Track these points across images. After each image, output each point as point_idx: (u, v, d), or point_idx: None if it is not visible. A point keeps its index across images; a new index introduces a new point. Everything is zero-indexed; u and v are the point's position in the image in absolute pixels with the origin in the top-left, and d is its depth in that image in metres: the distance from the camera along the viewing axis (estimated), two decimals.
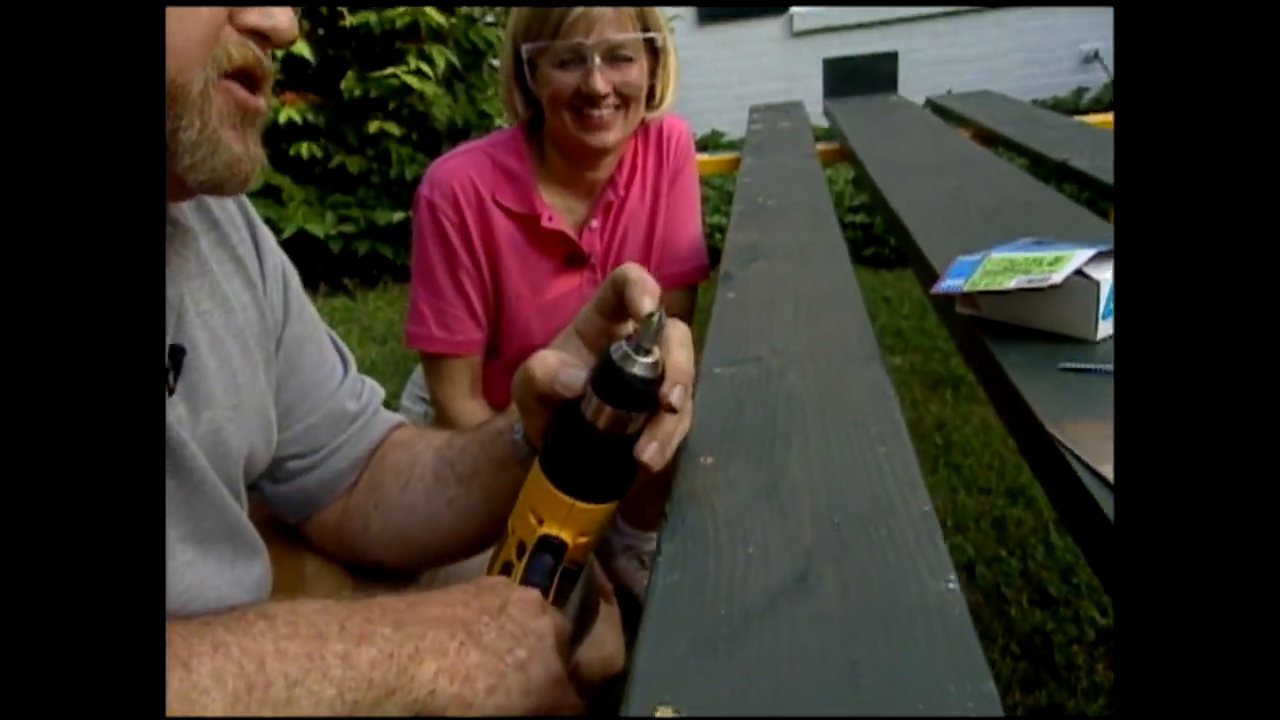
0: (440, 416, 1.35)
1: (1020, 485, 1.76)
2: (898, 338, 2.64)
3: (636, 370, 0.50)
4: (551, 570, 0.53)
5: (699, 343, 0.58)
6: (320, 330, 0.69)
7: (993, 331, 0.67)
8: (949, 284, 0.69)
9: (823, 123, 2.61)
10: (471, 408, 1.32)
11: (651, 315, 0.49)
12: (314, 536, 0.70)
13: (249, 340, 0.60)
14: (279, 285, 0.65)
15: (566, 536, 0.53)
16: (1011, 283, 0.64)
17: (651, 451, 0.50)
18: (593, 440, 0.51)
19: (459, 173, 1.27)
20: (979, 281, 0.67)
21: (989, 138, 1.93)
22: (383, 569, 0.69)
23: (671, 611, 0.41)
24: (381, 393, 0.73)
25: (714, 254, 1.27)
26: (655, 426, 0.51)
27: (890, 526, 0.46)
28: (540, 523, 0.53)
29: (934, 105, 2.53)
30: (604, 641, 1.07)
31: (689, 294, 1.41)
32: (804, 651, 0.37)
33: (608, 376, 0.50)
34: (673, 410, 0.50)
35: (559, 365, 0.52)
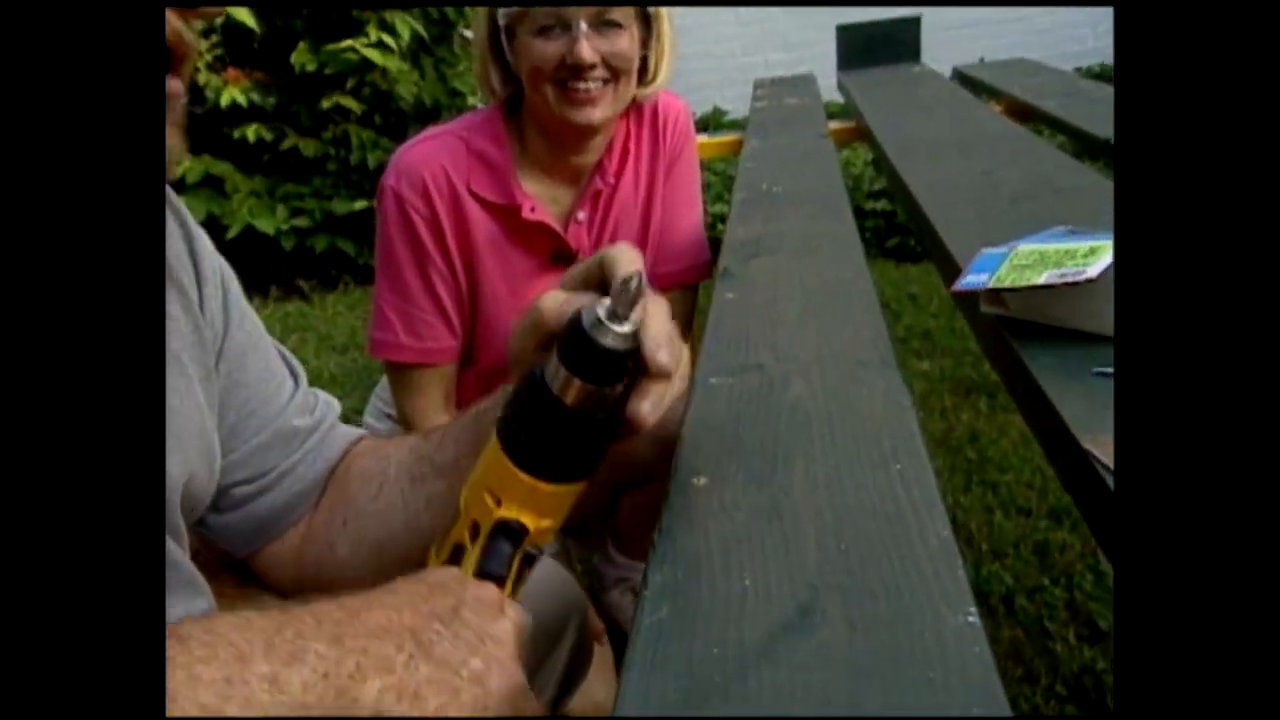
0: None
1: (1065, 505, 1.76)
2: (925, 340, 2.65)
3: (609, 341, 0.48)
4: (510, 558, 0.51)
5: (692, 350, 0.59)
6: (265, 339, 0.69)
7: (1021, 332, 0.68)
8: (971, 280, 0.70)
9: (836, 98, 2.63)
10: (437, 417, 1.32)
11: (629, 279, 0.47)
12: (268, 571, 0.70)
13: (181, 356, 0.60)
14: (217, 292, 0.65)
15: (527, 520, 0.52)
16: (1041, 278, 0.65)
17: (645, 410, 0.49)
18: (559, 416, 0.49)
19: (429, 160, 1.28)
20: (1005, 277, 0.68)
21: (1024, 112, 1.94)
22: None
23: (659, 653, 0.42)
24: (337, 407, 0.74)
25: (716, 246, 1.28)
26: (644, 386, 0.49)
27: (904, 554, 0.47)
28: (498, 504, 0.51)
29: (962, 76, 2.55)
30: (593, 689, 1.08)
31: (689, 295, 1.42)
32: (807, 697, 0.38)
33: (577, 345, 0.48)
34: (664, 373, 0.49)
35: (573, 300, 0.50)
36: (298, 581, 0.70)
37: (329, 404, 0.72)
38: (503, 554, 0.51)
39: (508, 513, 0.51)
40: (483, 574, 0.51)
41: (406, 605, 0.47)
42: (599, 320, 0.48)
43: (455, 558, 0.53)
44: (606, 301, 0.49)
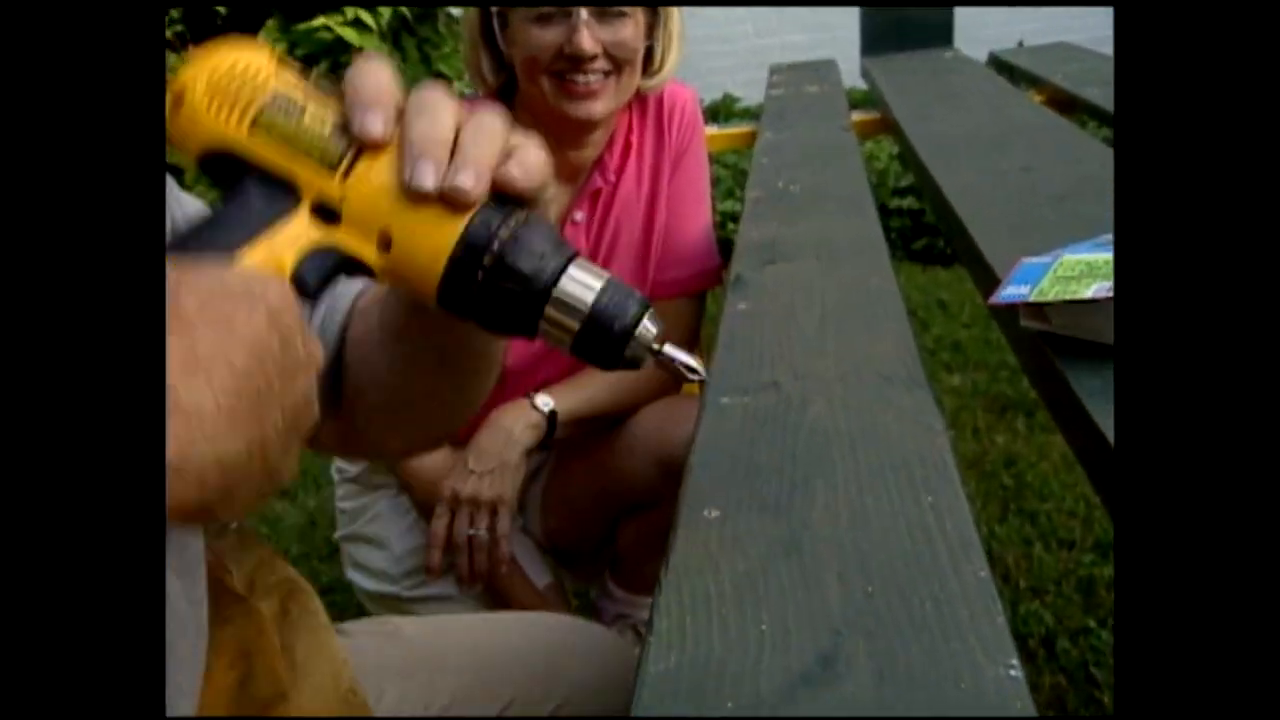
0: (390, 465, 1.36)
1: (1113, 538, 1.77)
2: (956, 352, 2.66)
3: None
4: (327, 276, 0.51)
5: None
6: None
7: (1066, 350, 0.68)
8: (1011, 293, 0.70)
9: (860, 85, 2.64)
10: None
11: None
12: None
13: None
14: None
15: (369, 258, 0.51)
16: (1089, 291, 0.65)
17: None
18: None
19: None
20: (1049, 289, 0.68)
21: (1068, 103, 1.95)
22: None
23: (665, 707, 0.42)
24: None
25: (725, 248, 1.28)
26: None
27: (938, 596, 0.47)
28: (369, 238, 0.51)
29: (999, 62, 2.56)
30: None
31: (695, 304, 1.43)
32: None
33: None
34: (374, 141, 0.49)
35: None
36: (363, 451, 0.80)
37: None
38: (323, 269, 0.50)
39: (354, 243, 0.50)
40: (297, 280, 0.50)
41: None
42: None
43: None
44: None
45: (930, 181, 1.28)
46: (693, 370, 0.54)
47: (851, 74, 2.57)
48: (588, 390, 1.33)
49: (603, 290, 0.51)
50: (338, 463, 1.49)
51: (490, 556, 1.30)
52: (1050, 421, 2.16)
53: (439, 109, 0.50)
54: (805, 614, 0.47)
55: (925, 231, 3.55)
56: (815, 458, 0.62)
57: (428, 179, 0.49)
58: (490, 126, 0.50)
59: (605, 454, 1.40)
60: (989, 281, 0.82)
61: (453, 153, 0.49)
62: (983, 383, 2.45)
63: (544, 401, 1.29)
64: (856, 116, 1.98)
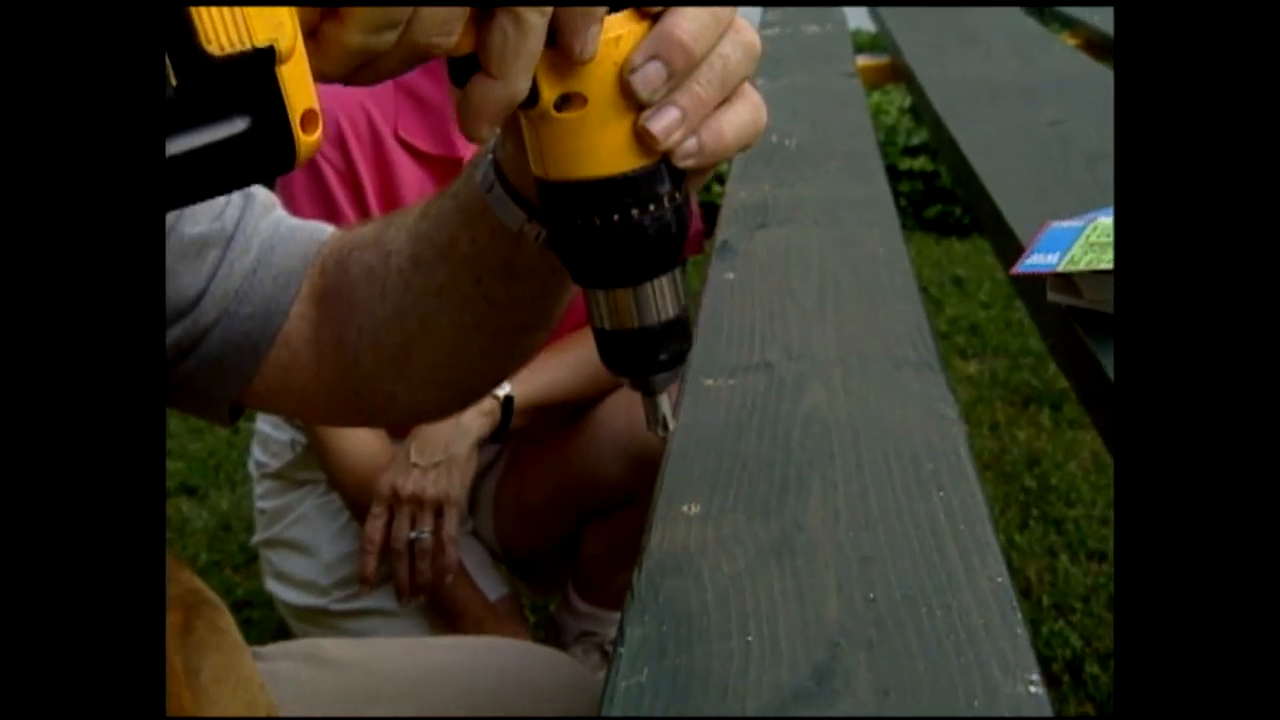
0: (316, 444, 1.36)
1: None
2: (973, 336, 2.68)
3: None
4: None
5: None
6: None
7: (1097, 327, 0.69)
8: (1036, 261, 0.71)
9: (867, 26, 2.64)
10: (357, 433, 1.33)
11: None
12: (298, 407, 0.77)
13: None
14: None
15: None
16: None
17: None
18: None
19: (345, 98, 1.28)
20: (1080, 258, 0.69)
21: (1105, 48, 1.96)
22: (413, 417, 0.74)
23: None
24: (262, 197, 0.75)
25: (710, 212, 1.28)
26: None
27: (949, 604, 0.47)
28: None
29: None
30: None
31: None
32: None
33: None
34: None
35: None
36: (344, 412, 0.76)
37: (248, 197, 0.74)
38: None
39: None
40: None
41: None
42: None
43: None
44: None
45: (946, 136, 1.29)
46: (665, 428, 0.57)
47: (858, 14, 2.58)
48: (548, 373, 1.33)
49: (683, 310, 0.55)
50: (256, 456, 1.48)
51: (434, 564, 1.30)
52: (1080, 415, 2.18)
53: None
54: (798, 624, 0.47)
55: (939, 197, 3.57)
56: (811, 449, 0.62)
57: (660, 127, 0.50)
58: (734, 67, 0.51)
59: (568, 446, 1.40)
60: (1012, 251, 0.83)
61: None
62: (1003, 371, 2.47)
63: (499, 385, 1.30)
64: (862, 61, 1.98)
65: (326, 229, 0.76)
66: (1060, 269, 0.69)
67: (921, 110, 1.60)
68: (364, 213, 1.30)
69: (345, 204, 1.29)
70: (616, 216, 0.51)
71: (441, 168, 1.31)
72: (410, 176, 1.31)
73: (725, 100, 0.52)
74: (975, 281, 2.98)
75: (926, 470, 0.58)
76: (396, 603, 1.36)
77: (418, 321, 0.67)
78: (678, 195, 0.52)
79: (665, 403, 0.57)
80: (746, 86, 0.53)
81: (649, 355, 0.55)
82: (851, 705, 0.42)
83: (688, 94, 0.51)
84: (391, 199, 1.31)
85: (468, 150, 1.31)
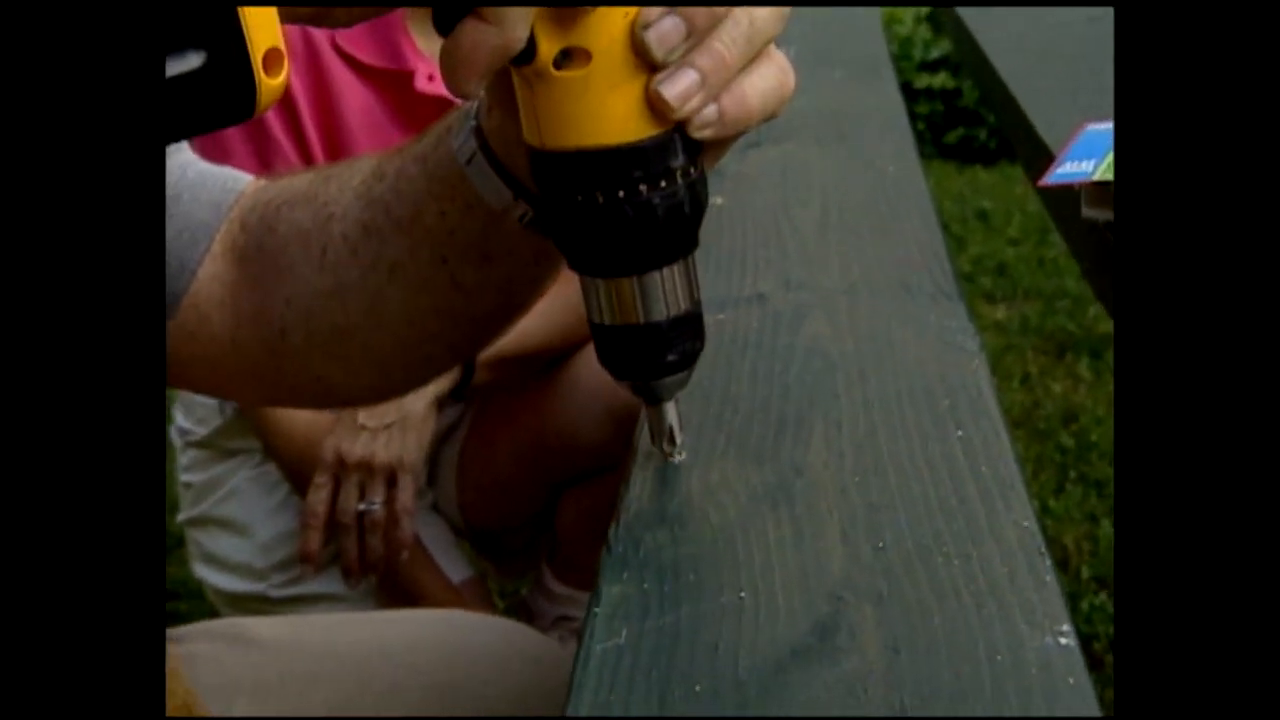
0: (252, 424, 1.36)
1: None
2: (1000, 277, 2.69)
3: None
4: None
5: None
6: None
7: None
8: (1069, 171, 0.71)
9: None
10: None
11: None
12: (212, 382, 0.76)
13: None
14: None
15: None
16: None
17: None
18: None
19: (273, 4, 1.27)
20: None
21: None
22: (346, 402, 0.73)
23: (615, 693, 0.42)
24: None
25: None
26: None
27: (968, 552, 0.48)
28: None
29: None
30: None
31: None
32: None
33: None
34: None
35: None
36: (261, 389, 0.74)
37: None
38: None
39: None
40: None
41: None
42: None
43: None
44: None
45: (969, 41, 1.29)
46: (671, 443, 0.57)
47: None
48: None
49: (695, 304, 0.55)
50: (179, 423, 1.47)
51: (387, 540, 1.31)
52: None
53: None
54: (797, 576, 0.48)
55: (962, 119, 3.57)
56: (812, 386, 0.63)
57: (676, 92, 0.49)
58: (761, 25, 0.51)
59: (540, 405, 1.41)
60: (1042, 164, 0.83)
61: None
62: (1035, 316, 2.48)
63: None
64: None
65: (244, 177, 0.74)
66: (1096, 178, 0.69)
67: (942, 19, 1.59)
68: (300, 141, 1.29)
69: (279, 132, 1.28)
70: (622, 193, 0.50)
71: (389, 84, 1.30)
72: (352, 96, 1.30)
73: (749, 63, 0.51)
74: (1003, 215, 2.99)
75: (943, 407, 0.59)
76: (344, 586, 1.36)
77: (364, 300, 0.65)
78: (693, 170, 0.52)
79: (673, 412, 0.57)
80: (771, 48, 0.52)
81: (655, 355, 0.54)
82: (857, 663, 0.42)
83: (708, 54, 0.49)
84: (331, 123, 1.29)
85: (420, 64, 1.30)
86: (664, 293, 0.53)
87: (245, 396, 0.81)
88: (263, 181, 0.73)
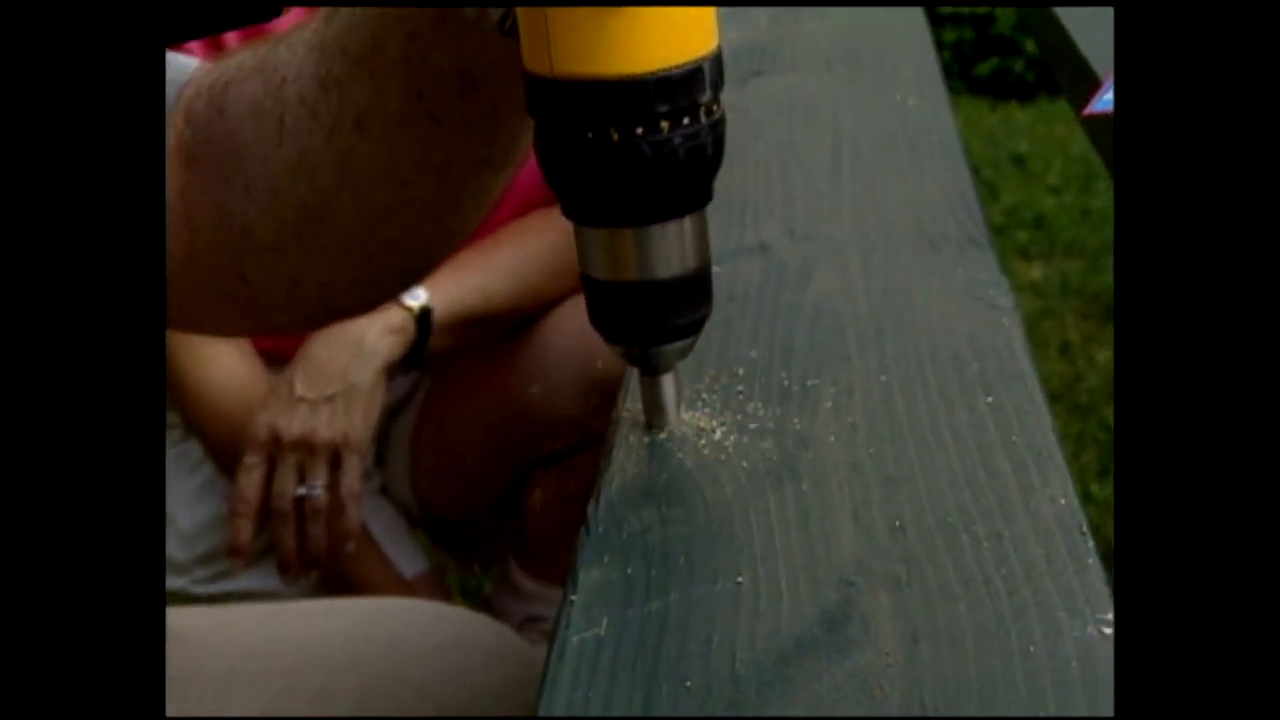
0: (167, 374, 1.35)
1: None
2: (1037, 231, 2.69)
3: None
4: None
5: None
6: None
7: None
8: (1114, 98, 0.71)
9: None
10: (226, 357, 1.33)
11: None
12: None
13: None
14: None
15: None
16: None
17: None
18: None
19: None
20: None
21: None
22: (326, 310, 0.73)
23: (593, 689, 0.43)
24: None
25: None
26: None
27: (998, 531, 0.49)
28: None
29: None
30: None
31: None
32: None
33: None
34: None
35: None
36: (228, 309, 0.73)
37: None
38: None
39: None
40: None
41: None
42: None
43: None
44: None
45: None
46: (659, 416, 0.58)
47: None
48: (478, 275, 1.33)
49: (705, 264, 0.55)
50: None
51: (331, 529, 1.31)
52: None
53: None
54: (803, 560, 0.48)
55: (995, 48, 3.57)
56: (821, 348, 0.63)
57: None
58: None
59: (506, 374, 1.41)
60: (1089, 94, 0.84)
61: None
62: (1077, 276, 2.48)
63: (412, 292, 1.30)
64: None
65: (190, 63, 0.73)
66: None
67: None
68: None
69: None
70: (640, 130, 0.51)
71: None
72: None
73: None
74: (1041, 159, 2.99)
75: (971, 371, 0.60)
76: (281, 582, 1.36)
77: (333, 169, 0.65)
78: (716, 108, 0.52)
79: (670, 387, 0.57)
80: None
81: (657, 319, 0.55)
82: (871, 656, 0.43)
83: None
84: None
85: None
86: (673, 247, 0.54)
87: (210, 324, 0.79)
88: (208, 65, 0.72)
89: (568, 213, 0.55)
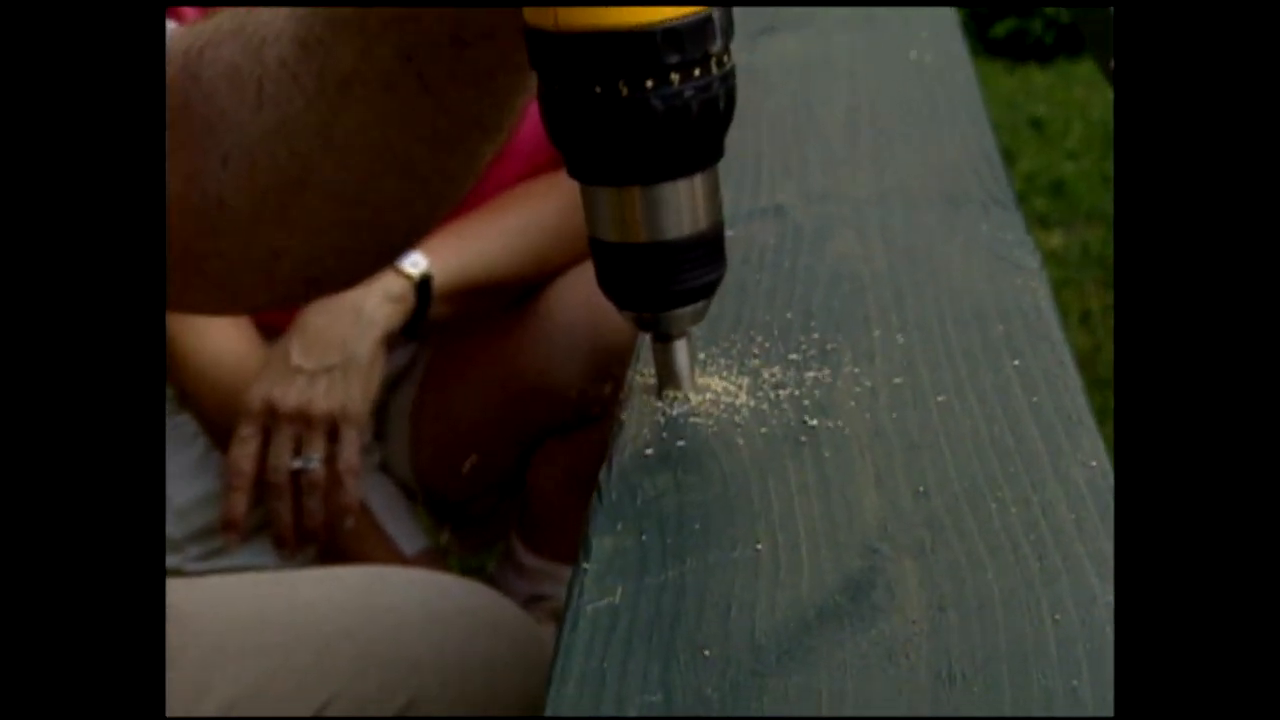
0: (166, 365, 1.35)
1: None
2: (1057, 197, 2.69)
3: None
4: None
5: None
6: None
7: None
8: None
9: None
10: (220, 328, 1.33)
11: None
12: None
13: None
14: None
15: None
16: None
17: None
18: None
19: None
20: None
21: None
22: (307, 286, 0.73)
23: (608, 659, 0.43)
24: None
25: None
26: None
27: (1028, 497, 0.48)
28: None
29: None
30: None
31: None
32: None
33: None
34: None
35: None
36: (205, 287, 0.72)
37: None
38: None
39: None
40: None
41: None
42: None
43: None
44: None
45: None
46: (673, 383, 0.57)
47: None
48: (480, 242, 1.33)
49: (717, 224, 0.54)
50: None
51: (329, 504, 1.31)
52: None
53: None
54: (824, 527, 0.48)
55: (1012, 7, 3.55)
56: (839, 313, 0.63)
57: None
58: None
59: (509, 345, 1.41)
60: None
61: None
62: (1097, 243, 2.49)
63: (412, 259, 1.29)
64: None
65: (168, 27, 0.71)
66: None
67: None
68: None
69: None
70: (650, 83, 0.50)
71: None
72: None
73: None
74: (1060, 124, 2.99)
75: (996, 334, 0.59)
76: (276, 558, 1.36)
77: (314, 133, 0.64)
78: (727, 59, 0.52)
79: (684, 353, 0.57)
80: None
81: (668, 281, 0.54)
82: (897, 624, 0.43)
83: None
84: None
85: None
86: (684, 206, 0.53)
87: (184, 303, 0.79)
88: (184, 29, 0.71)
89: (574, 172, 0.54)
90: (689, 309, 0.55)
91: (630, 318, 0.56)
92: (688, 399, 0.57)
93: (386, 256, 0.74)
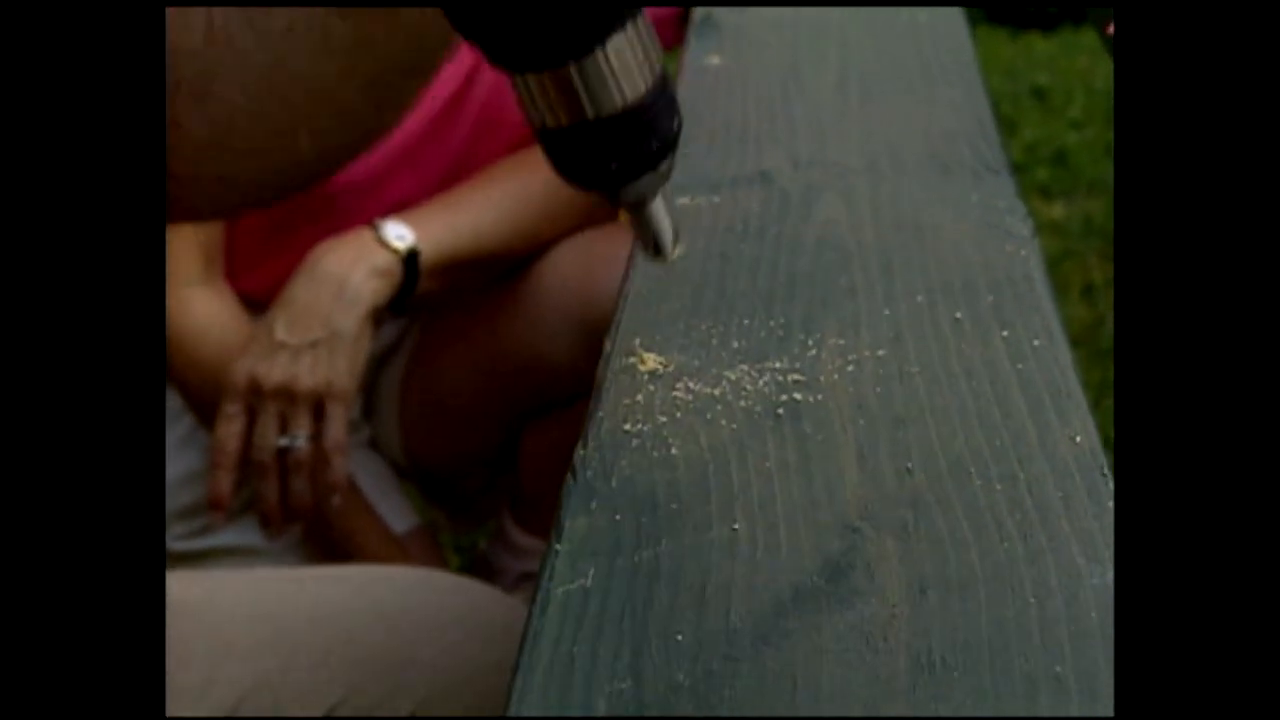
0: None
1: None
2: (1058, 168, 2.69)
3: None
4: None
5: None
6: None
7: None
8: None
9: None
10: (203, 302, 1.32)
11: None
12: None
13: None
14: None
15: None
16: None
17: None
18: None
19: None
20: None
21: None
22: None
23: (579, 643, 0.42)
24: None
25: None
26: None
27: (1012, 473, 0.48)
28: None
29: None
30: None
31: None
32: (838, 707, 0.39)
33: None
34: None
35: None
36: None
37: None
38: None
39: None
40: None
41: None
42: None
43: None
44: None
45: None
46: (659, 250, 0.55)
47: None
48: (469, 213, 1.32)
49: (658, 76, 0.53)
50: None
51: (315, 482, 1.30)
52: None
53: None
54: (803, 506, 0.48)
55: None
56: (824, 282, 0.63)
57: None
58: None
59: (498, 319, 1.40)
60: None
61: None
62: (1100, 215, 2.48)
63: (398, 233, 1.29)
64: None
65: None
66: None
67: None
68: None
69: None
70: None
71: None
72: None
73: None
74: (1063, 93, 2.98)
75: (985, 304, 0.59)
76: (262, 537, 1.36)
77: (262, 74, 0.65)
78: None
79: (663, 214, 0.55)
80: None
81: (628, 150, 0.53)
82: (876, 606, 0.43)
83: None
84: None
85: None
86: (624, 69, 0.52)
87: None
88: None
89: (499, 62, 0.53)
90: (658, 171, 0.54)
91: (598, 196, 0.55)
92: (666, 372, 0.57)
93: (314, 183, 0.76)
